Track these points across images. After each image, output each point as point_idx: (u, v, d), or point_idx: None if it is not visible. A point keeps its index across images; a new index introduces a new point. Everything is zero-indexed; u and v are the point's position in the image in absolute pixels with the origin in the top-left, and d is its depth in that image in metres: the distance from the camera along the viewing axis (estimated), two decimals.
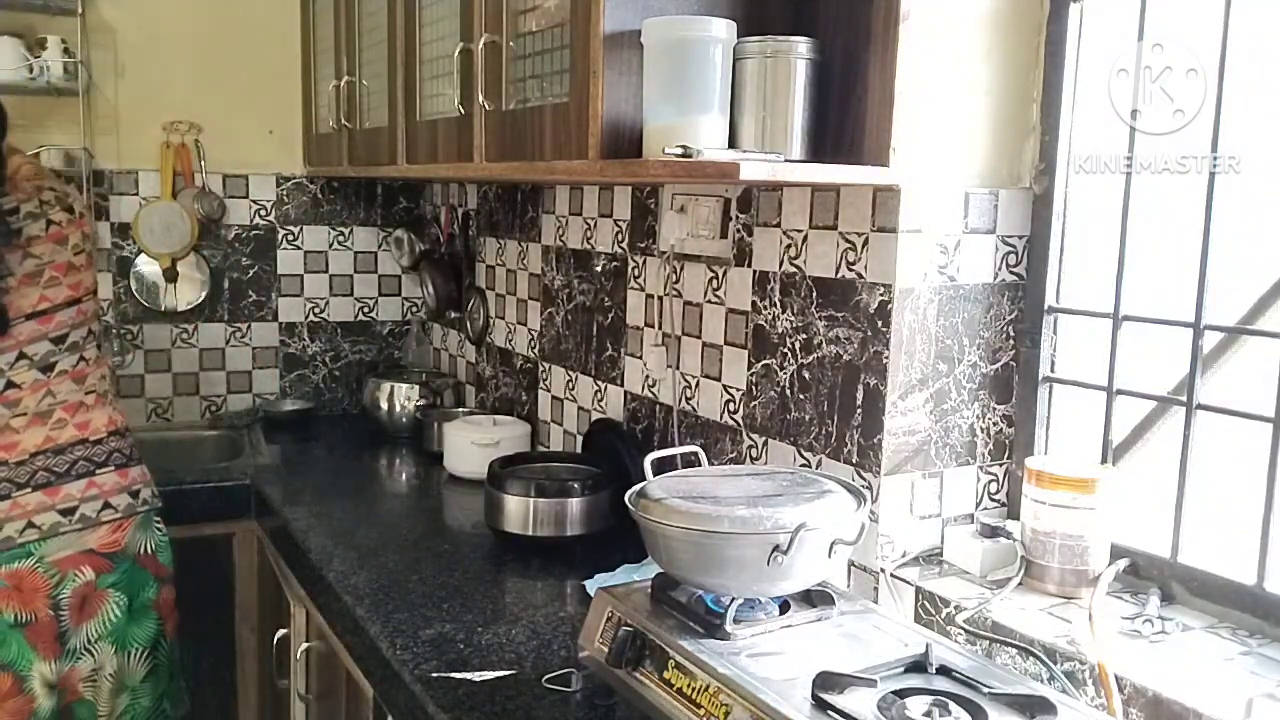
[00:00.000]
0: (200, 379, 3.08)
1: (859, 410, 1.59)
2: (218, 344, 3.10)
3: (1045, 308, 1.61)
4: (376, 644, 1.59)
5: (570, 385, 2.47)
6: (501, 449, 2.35)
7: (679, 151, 1.32)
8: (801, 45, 1.48)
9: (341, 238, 3.21)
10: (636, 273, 2.18)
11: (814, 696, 1.08)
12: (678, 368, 2.04)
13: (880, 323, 1.54)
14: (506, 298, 2.78)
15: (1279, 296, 1.38)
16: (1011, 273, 1.62)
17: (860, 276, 1.58)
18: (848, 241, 1.60)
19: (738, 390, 1.87)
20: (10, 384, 1.87)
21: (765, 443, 1.81)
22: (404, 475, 2.69)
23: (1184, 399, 1.44)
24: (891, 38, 1.46)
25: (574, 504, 1.97)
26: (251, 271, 3.11)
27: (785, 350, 1.74)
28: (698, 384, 1.98)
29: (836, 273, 1.62)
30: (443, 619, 1.65)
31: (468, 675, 1.45)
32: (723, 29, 1.44)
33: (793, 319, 1.72)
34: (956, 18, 1.51)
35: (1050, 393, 1.63)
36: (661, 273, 2.07)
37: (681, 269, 2.02)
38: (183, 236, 2.99)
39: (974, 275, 1.58)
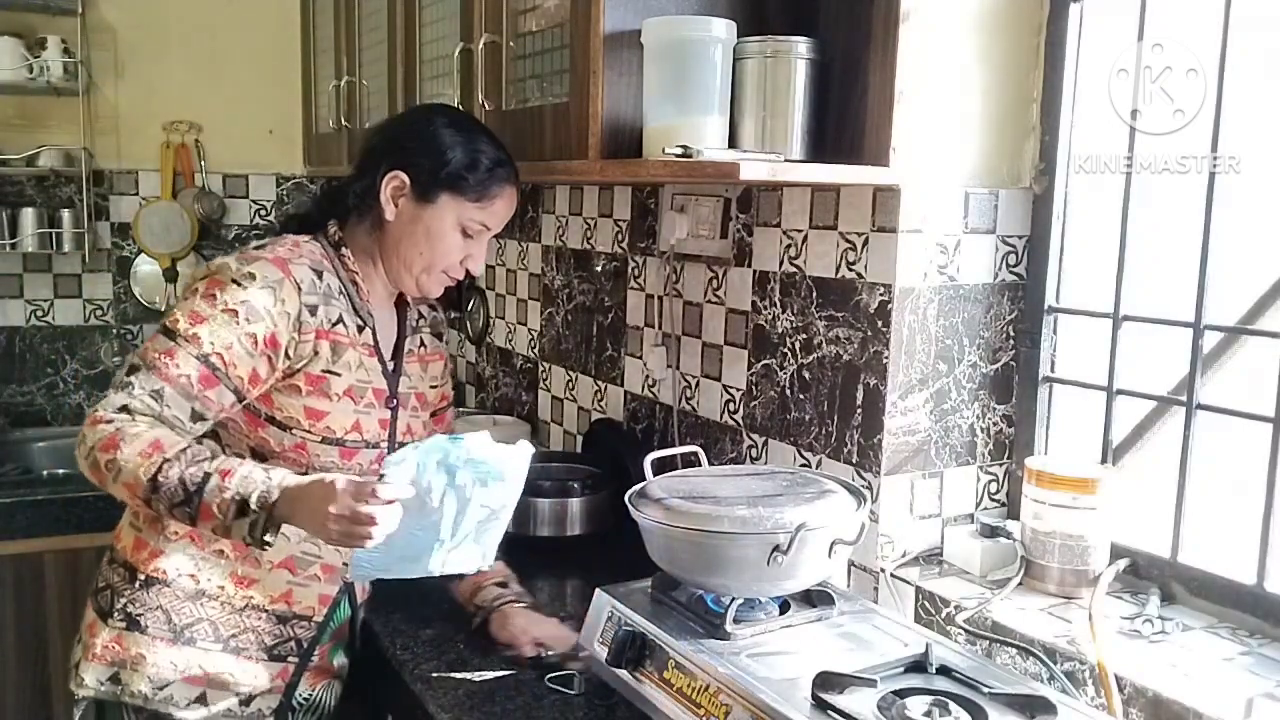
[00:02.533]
0: None
1: (859, 410, 1.59)
2: None
3: (1045, 308, 1.61)
4: (377, 644, 1.58)
5: (570, 385, 2.47)
6: None
7: (679, 151, 1.32)
8: (801, 45, 1.48)
9: None
10: (636, 273, 2.18)
11: (814, 696, 1.08)
12: (678, 368, 2.04)
13: (880, 323, 1.54)
14: (506, 298, 2.78)
15: (1279, 296, 1.38)
16: (1011, 273, 1.62)
17: (860, 276, 1.58)
18: (848, 241, 1.60)
19: (738, 390, 1.87)
20: None
21: (765, 443, 1.80)
22: None
23: (1184, 399, 1.44)
24: (891, 38, 1.46)
25: (574, 504, 1.97)
26: None
27: (785, 350, 1.74)
28: (698, 384, 1.98)
29: (836, 273, 1.62)
30: (443, 619, 1.65)
31: (468, 675, 1.45)
32: (723, 29, 1.44)
33: (793, 319, 1.72)
34: (957, 18, 1.51)
35: (1050, 393, 1.63)
36: (661, 273, 2.07)
37: (681, 269, 2.02)
38: (183, 236, 2.99)
39: (974, 275, 1.58)
